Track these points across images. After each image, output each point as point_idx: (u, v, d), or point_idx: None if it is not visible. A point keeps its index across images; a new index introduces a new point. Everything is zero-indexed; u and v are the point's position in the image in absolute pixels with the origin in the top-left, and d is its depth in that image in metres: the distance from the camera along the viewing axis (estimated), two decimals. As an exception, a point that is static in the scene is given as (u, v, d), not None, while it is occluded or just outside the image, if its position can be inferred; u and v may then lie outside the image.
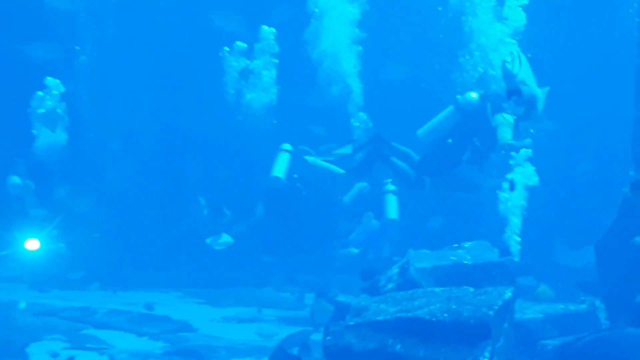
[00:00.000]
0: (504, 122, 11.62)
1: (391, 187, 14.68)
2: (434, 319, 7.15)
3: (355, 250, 13.59)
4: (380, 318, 7.39)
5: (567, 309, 10.53)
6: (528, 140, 11.79)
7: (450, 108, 12.25)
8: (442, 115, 12.37)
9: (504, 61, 9.57)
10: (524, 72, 9.50)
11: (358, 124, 14.81)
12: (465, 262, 10.46)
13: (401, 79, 17.25)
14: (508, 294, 7.68)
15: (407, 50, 17.54)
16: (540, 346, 9.63)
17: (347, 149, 13.19)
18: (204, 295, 15.15)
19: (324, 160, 13.33)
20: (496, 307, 7.23)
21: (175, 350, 11.09)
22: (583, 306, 10.63)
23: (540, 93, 10.25)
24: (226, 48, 16.60)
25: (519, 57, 9.61)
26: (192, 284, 15.85)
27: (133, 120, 17.47)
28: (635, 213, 9.88)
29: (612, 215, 10.61)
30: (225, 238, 14.84)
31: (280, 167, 14.94)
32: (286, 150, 15.06)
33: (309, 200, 15.15)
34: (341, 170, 13.19)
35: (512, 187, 11.72)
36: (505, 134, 11.61)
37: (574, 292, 11.47)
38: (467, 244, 11.25)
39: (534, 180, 11.94)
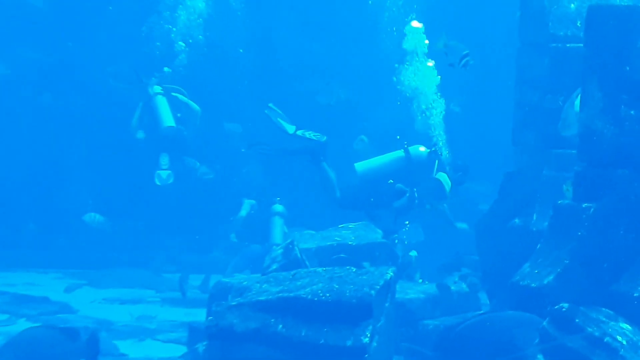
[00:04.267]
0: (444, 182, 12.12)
1: (279, 207, 14.48)
2: (315, 299, 7.14)
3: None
4: (262, 298, 7.34)
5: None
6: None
7: (398, 153, 12.34)
8: (386, 157, 12.42)
9: None
10: None
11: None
12: (349, 242, 10.53)
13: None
14: (389, 273, 7.73)
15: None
16: (421, 326, 9.78)
17: (290, 128, 12.91)
18: (83, 275, 14.82)
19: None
20: (377, 287, 7.27)
21: (53, 332, 10.81)
22: (463, 286, 10.86)
23: None
24: None
25: None
26: (72, 265, 15.47)
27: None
28: (514, 195, 10.12)
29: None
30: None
31: (166, 114, 14.62)
32: (159, 94, 14.71)
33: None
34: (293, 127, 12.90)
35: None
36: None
37: None
38: (351, 225, 11.32)
39: None
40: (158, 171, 14.73)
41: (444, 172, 12.29)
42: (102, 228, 15.34)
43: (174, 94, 15.02)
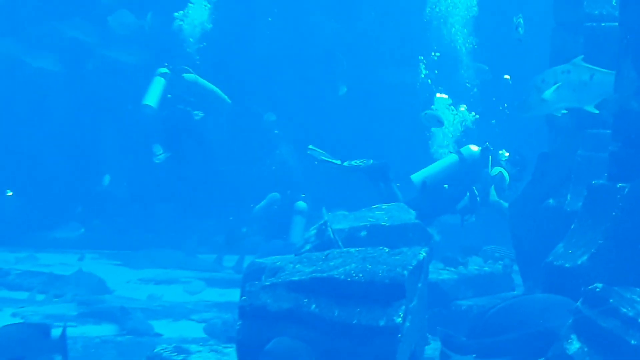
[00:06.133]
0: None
1: (302, 205, 14.42)
2: (348, 279, 7.15)
3: None
4: (295, 278, 7.36)
5: (482, 270, 10.74)
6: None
7: (452, 157, 12.31)
8: (440, 163, 12.38)
9: None
10: None
11: None
12: (382, 223, 10.50)
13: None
14: (422, 254, 7.72)
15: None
16: (454, 306, 9.79)
17: (336, 161, 13.02)
18: (119, 256, 14.97)
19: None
20: (410, 267, 7.25)
21: (90, 312, 10.95)
22: (497, 267, 10.86)
23: None
24: None
25: None
26: (107, 246, 15.63)
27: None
28: (548, 176, 10.07)
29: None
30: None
31: (153, 93, 14.49)
32: (162, 75, 14.60)
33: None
34: (338, 162, 13.03)
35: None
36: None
37: None
38: (384, 206, 11.29)
39: None
40: (154, 158, 14.77)
41: (501, 167, 12.28)
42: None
43: (185, 75, 14.81)
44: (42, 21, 16.54)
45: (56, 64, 16.50)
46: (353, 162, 12.79)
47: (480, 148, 12.41)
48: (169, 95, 14.47)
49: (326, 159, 12.95)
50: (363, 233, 9.83)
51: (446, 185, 12.17)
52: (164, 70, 14.60)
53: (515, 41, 9.62)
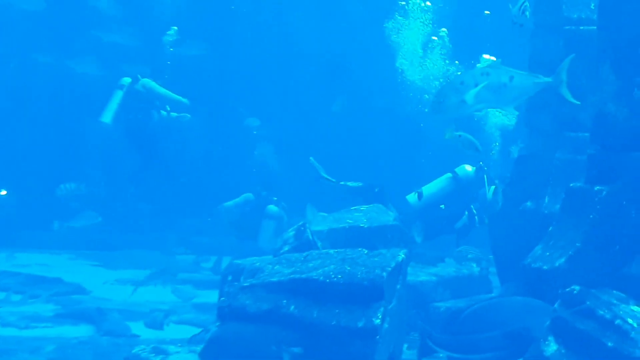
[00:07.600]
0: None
1: (273, 209, 14.27)
2: (327, 281, 7.16)
3: None
4: (274, 279, 7.36)
5: (460, 272, 10.76)
6: None
7: (447, 177, 12.31)
8: (436, 183, 12.37)
9: None
10: None
11: None
12: (361, 225, 10.52)
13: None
14: (401, 256, 7.73)
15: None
16: (433, 308, 9.81)
17: (332, 179, 13.08)
18: (97, 257, 14.90)
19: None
20: (389, 269, 7.27)
21: (66, 313, 10.90)
22: (475, 269, 10.89)
23: None
24: None
25: None
26: (85, 246, 15.55)
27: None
28: (526, 179, 10.10)
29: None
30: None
31: (110, 108, 14.45)
32: (121, 86, 14.55)
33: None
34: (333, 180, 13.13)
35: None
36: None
37: None
38: (363, 207, 11.30)
39: None
40: None
41: (494, 185, 12.31)
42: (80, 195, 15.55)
43: (142, 80, 14.77)
44: (84, 29, 16.62)
45: (99, 68, 16.67)
46: (349, 183, 12.88)
47: (474, 168, 12.43)
48: (120, 103, 14.51)
49: (324, 175, 13.04)
50: (319, 244, 9.81)
51: (443, 206, 12.19)
52: (127, 80, 14.60)
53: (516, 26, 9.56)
